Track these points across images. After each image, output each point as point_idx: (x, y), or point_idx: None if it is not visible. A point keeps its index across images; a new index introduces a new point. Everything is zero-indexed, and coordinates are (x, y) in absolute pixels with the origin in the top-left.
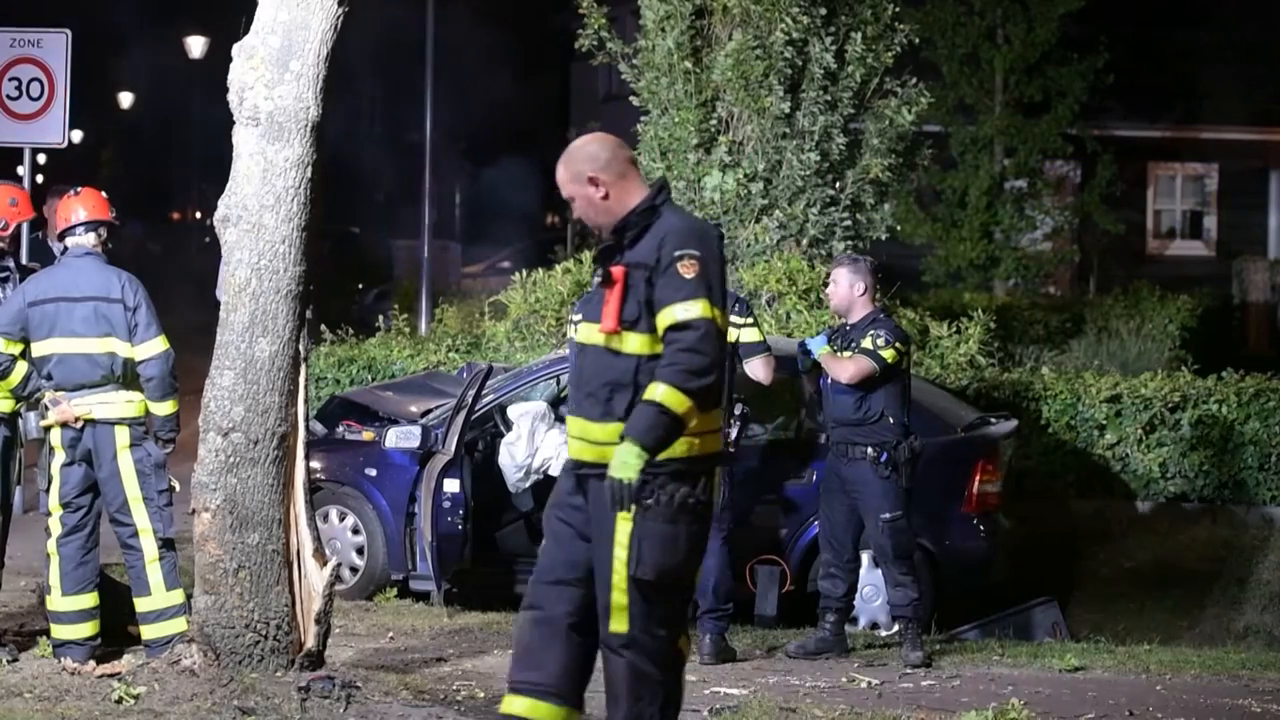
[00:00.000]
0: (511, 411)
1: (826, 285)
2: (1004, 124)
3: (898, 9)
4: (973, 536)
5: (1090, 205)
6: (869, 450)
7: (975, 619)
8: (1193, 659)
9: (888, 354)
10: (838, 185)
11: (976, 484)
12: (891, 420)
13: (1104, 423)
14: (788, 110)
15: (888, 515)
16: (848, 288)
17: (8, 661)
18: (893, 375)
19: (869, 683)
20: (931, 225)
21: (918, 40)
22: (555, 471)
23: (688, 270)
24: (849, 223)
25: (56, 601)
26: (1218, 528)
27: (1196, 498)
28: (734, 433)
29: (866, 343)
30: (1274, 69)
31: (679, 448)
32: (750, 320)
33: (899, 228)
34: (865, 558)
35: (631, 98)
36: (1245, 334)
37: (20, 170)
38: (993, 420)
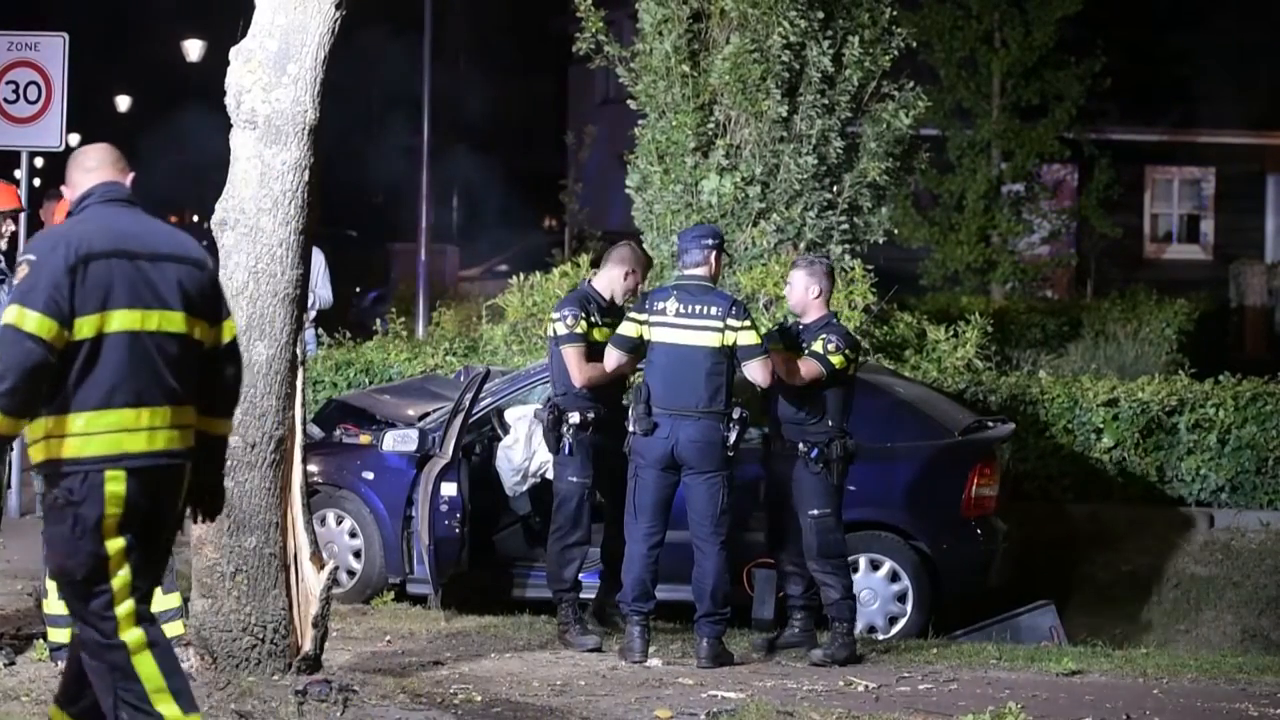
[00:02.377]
0: (509, 415)
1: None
2: (1001, 128)
3: (895, 13)
4: (970, 540)
5: (1087, 209)
6: (800, 446)
7: (972, 622)
8: (1190, 663)
9: (836, 359)
10: (835, 189)
11: (974, 488)
12: (830, 423)
13: (1101, 426)
14: (785, 114)
15: (815, 511)
16: (803, 290)
17: (5, 665)
18: (838, 380)
19: (866, 686)
20: (929, 229)
21: (915, 44)
22: (553, 475)
23: (18, 277)
24: (846, 226)
25: (53, 605)
26: (1215, 532)
27: (1194, 501)
28: (732, 436)
29: (817, 346)
30: (1271, 73)
31: (37, 452)
32: (747, 323)
33: (896, 231)
34: (863, 561)
35: (629, 101)
36: (1242, 338)
37: (18, 174)
38: (990, 424)
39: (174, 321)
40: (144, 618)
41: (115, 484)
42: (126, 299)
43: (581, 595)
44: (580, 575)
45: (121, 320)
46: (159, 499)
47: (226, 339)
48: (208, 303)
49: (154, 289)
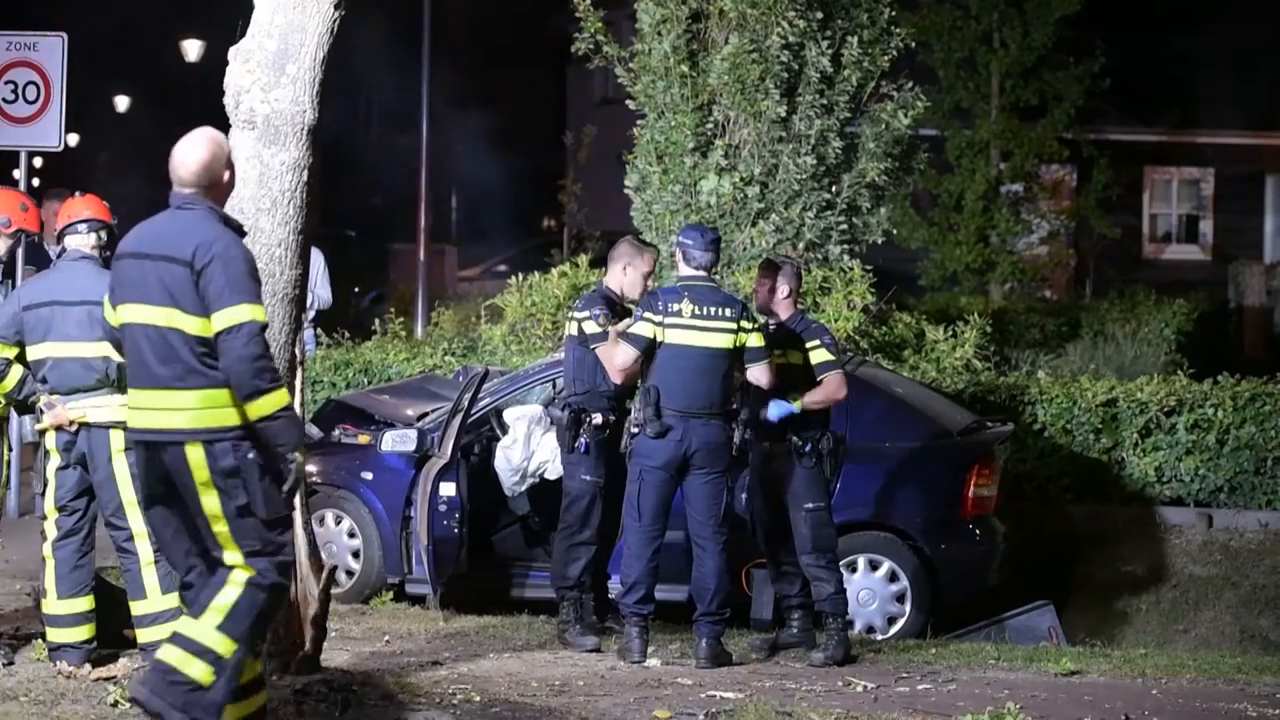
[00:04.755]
0: (507, 415)
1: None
2: (1000, 128)
3: (894, 13)
4: (969, 540)
5: (1086, 209)
6: (794, 440)
7: (971, 623)
8: (1188, 663)
9: (838, 360)
10: (834, 189)
11: (972, 488)
12: (817, 418)
13: (1100, 427)
14: (784, 114)
15: (810, 505)
16: (784, 291)
17: (3, 665)
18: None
19: (865, 686)
20: (928, 229)
21: (914, 44)
22: (551, 475)
23: None
24: (845, 226)
25: (52, 605)
26: (1214, 532)
27: (1192, 501)
28: (736, 438)
29: (825, 355)
30: (1270, 73)
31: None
32: (755, 325)
33: (895, 231)
34: (862, 561)
35: (628, 101)
36: (1241, 338)
37: (16, 174)
38: (989, 424)
39: (153, 315)
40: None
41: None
42: (126, 294)
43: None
44: (584, 575)
45: (123, 313)
46: (163, 471)
47: (213, 332)
48: (187, 298)
49: (143, 285)
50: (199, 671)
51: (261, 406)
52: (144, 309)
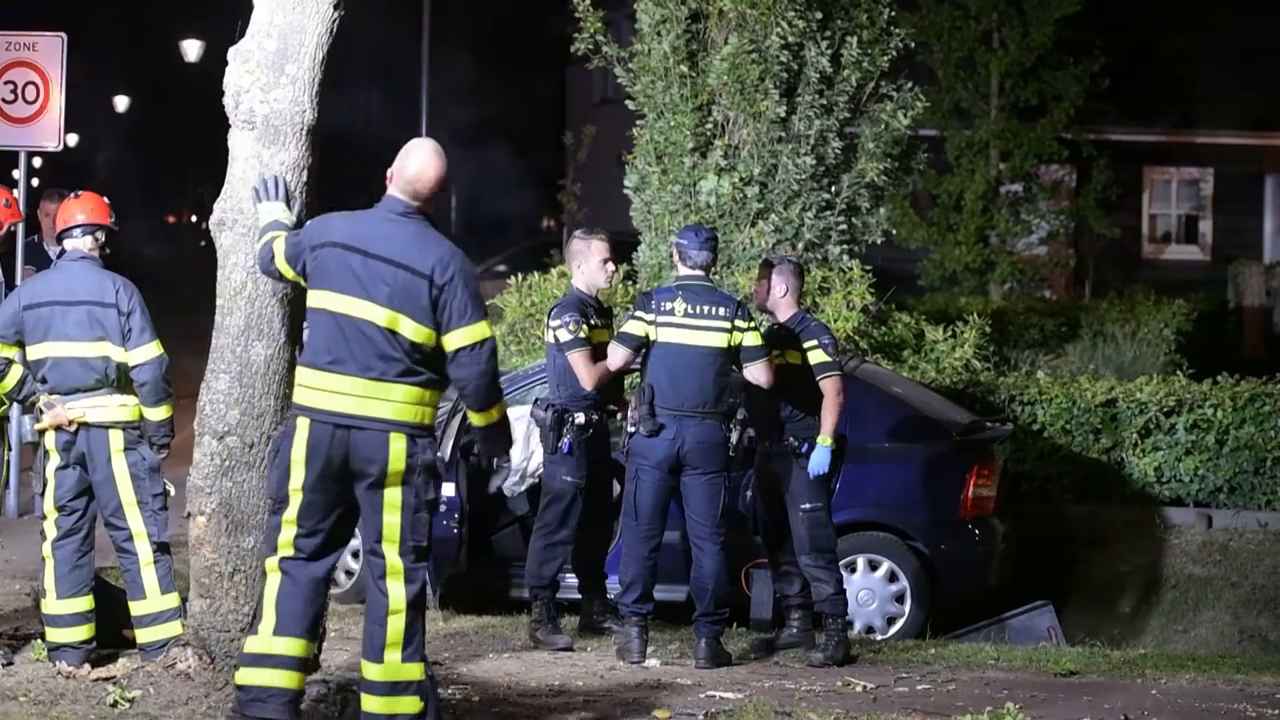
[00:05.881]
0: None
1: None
2: (999, 128)
3: (893, 13)
4: (968, 541)
5: (1086, 209)
6: (791, 440)
7: (971, 623)
8: (1188, 663)
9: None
10: (833, 189)
11: (972, 488)
12: (815, 418)
13: (1099, 427)
14: (783, 114)
15: (807, 506)
16: (780, 290)
17: (3, 665)
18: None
19: (864, 686)
20: (927, 229)
21: (913, 44)
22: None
23: None
24: (844, 226)
25: (52, 605)
26: (1213, 532)
27: (1192, 502)
28: (734, 438)
29: (822, 356)
30: (1270, 73)
31: None
32: (752, 324)
33: (895, 231)
34: (861, 561)
35: (627, 101)
36: (1240, 338)
37: (16, 174)
38: (988, 424)
39: (373, 313)
40: (292, 555)
41: (302, 430)
42: (339, 284)
43: (558, 595)
44: (558, 575)
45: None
46: (343, 452)
47: (452, 347)
48: (415, 306)
49: (364, 282)
50: (408, 705)
51: (491, 415)
52: (363, 304)
